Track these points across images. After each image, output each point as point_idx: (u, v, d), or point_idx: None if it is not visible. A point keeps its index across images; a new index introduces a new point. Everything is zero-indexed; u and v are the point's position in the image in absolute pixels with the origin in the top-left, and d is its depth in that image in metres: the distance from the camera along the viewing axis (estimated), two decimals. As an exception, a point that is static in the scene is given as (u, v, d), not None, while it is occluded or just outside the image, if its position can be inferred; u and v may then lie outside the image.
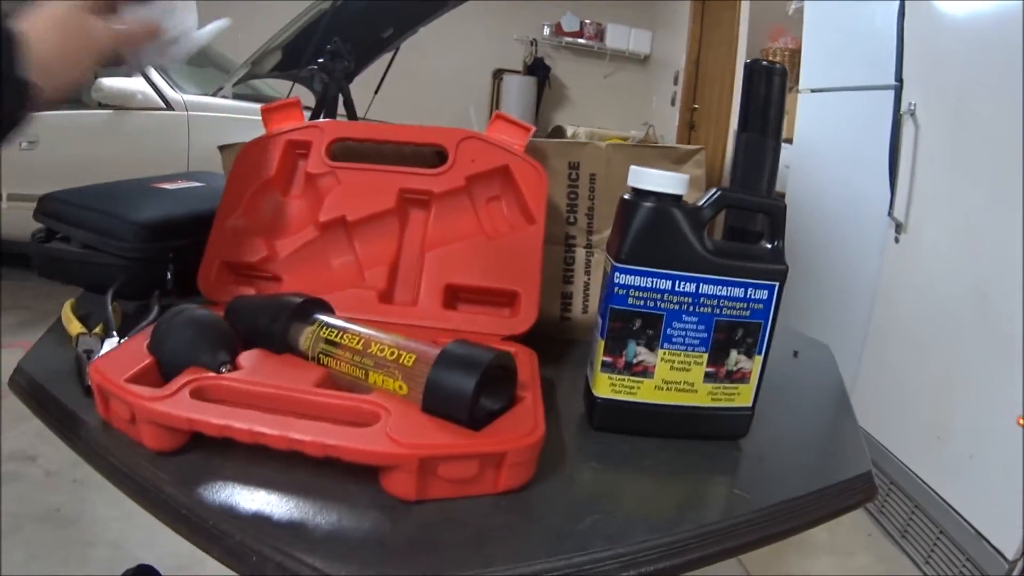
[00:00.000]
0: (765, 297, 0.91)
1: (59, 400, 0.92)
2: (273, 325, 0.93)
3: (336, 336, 0.90)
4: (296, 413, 0.79)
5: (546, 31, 9.07)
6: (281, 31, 4.64)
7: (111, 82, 4.91)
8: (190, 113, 5.01)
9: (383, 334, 0.89)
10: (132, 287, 1.21)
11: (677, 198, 0.90)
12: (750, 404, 0.95)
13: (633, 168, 0.91)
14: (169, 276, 1.24)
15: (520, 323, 1.10)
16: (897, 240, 3.01)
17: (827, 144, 3.78)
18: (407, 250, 1.19)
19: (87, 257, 1.26)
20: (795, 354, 1.35)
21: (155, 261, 1.24)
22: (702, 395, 0.93)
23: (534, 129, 1.22)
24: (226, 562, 0.68)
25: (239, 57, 5.25)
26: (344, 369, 0.88)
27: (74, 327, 1.07)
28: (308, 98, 3.91)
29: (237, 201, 1.21)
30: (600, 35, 9.10)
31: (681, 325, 0.91)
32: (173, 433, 0.79)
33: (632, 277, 0.89)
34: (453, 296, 1.16)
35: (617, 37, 9.07)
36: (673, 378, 0.92)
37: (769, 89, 1.17)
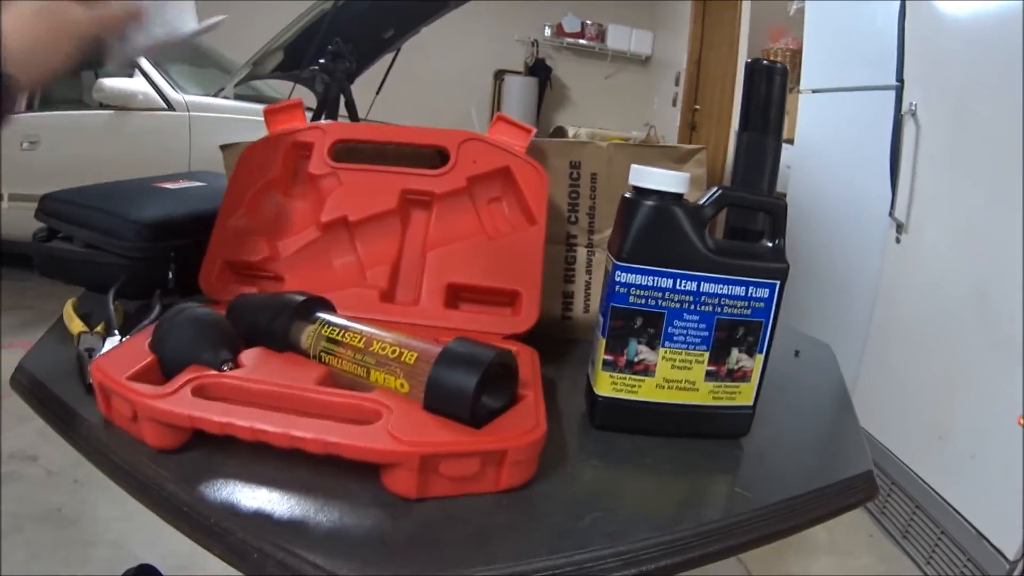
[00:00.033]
0: (766, 296, 0.91)
1: (60, 398, 0.92)
2: (275, 323, 0.93)
3: (338, 334, 0.90)
4: (298, 411, 0.79)
5: (547, 32, 9.06)
6: (282, 31, 4.65)
7: (112, 82, 4.91)
8: (191, 114, 5.01)
9: (385, 332, 0.89)
10: (133, 286, 1.21)
11: (678, 197, 0.90)
12: (751, 403, 0.95)
13: (634, 167, 0.91)
14: (170, 275, 1.25)
15: (521, 322, 1.10)
16: (898, 240, 3.01)
17: (828, 144, 3.78)
18: (409, 250, 1.19)
19: (89, 256, 1.26)
20: (796, 353, 1.35)
21: (156, 260, 1.24)
22: (703, 394, 0.94)
23: (535, 131, 1.22)
24: (227, 560, 0.68)
25: (240, 58, 5.26)
26: (346, 367, 0.88)
27: (75, 326, 1.07)
28: (309, 99, 3.92)
29: (239, 201, 1.21)
30: (601, 36, 9.10)
31: (682, 324, 0.91)
32: (174, 431, 0.79)
33: (633, 276, 0.89)
34: (455, 296, 1.16)
35: (618, 38, 9.07)
36: (674, 377, 0.92)
37: (770, 88, 1.17)
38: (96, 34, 0.95)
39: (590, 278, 1.27)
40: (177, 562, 2.20)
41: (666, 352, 0.91)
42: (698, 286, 0.90)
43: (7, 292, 4.83)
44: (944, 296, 2.73)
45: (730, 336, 0.92)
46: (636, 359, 0.91)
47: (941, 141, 2.82)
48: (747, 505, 0.82)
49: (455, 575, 0.65)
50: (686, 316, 0.90)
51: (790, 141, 4.00)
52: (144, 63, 5.00)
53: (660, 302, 0.90)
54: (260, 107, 1.28)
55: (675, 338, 0.91)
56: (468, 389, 0.77)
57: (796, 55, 4.47)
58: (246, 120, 4.69)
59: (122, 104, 4.98)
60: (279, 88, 5.64)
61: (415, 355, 0.84)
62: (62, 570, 2.42)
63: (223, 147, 1.34)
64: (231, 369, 0.86)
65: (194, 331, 0.89)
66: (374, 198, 1.19)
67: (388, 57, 5.05)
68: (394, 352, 0.85)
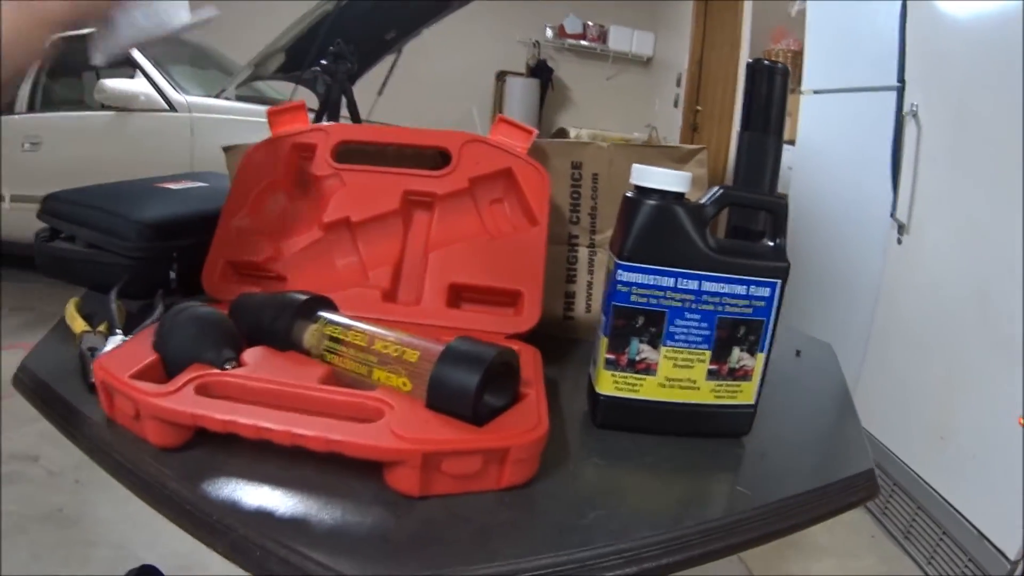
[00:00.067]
0: (767, 294, 0.91)
1: (63, 397, 0.92)
2: (277, 322, 0.93)
3: (340, 333, 0.90)
4: (300, 409, 0.79)
5: (549, 33, 9.06)
6: (284, 33, 4.66)
7: (114, 83, 4.91)
8: (193, 115, 5.01)
9: (387, 331, 0.89)
10: (136, 286, 1.21)
11: (680, 196, 0.91)
12: (753, 401, 0.95)
13: (636, 166, 0.92)
14: (173, 275, 1.25)
15: (523, 322, 1.10)
16: (899, 241, 3.01)
17: (830, 145, 3.78)
18: (411, 250, 1.20)
19: (91, 256, 1.27)
20: (797, 353, 1.35)
21: (159, 260, 1.25)
22: (705, 392, 0.94)
23: (536, 132, 1.22)
24: (230, 557, 0.68)
25: (242, 59, 5.27)
26: (348, 366, 0.88)
27: (78, 325, 1.07)
28: (311, 100, 3.92)
29: (242, 201, 1.21)
30: (603, 37, 9.10)
31: (684, 322, 0.91)
32: (177, 429, 0.79)
33: (635, 274, 0.89)
34: (457, 296, 1.16)
35: (620, 39, 9.07)
36: (676, 375, 0.93)
37: (771, 88, 1.17)
38: (75, 21, 0.93)
39: (592, 278, 1.27)
40: (178, 562, 2.20)
41: (668, 351, 0.92)
42: (699, 285, 0.90)
43: (9, 293, 4.84)
44: (945, 297, 2.73)
45: (731, 335, 0.92)
46: (638, 358, 0.92)
47: (942, 142, 2.82)
48: (748, 503, 0.82)
49: (457, 572, 0.66)
50: (688, 315, 0.91)
51: (791, 142, 4.00)
52: (146, 64, 5.01)
53: (662, 301, 0.90)
54: (262, 108, 1.28)
55: (677, 337, 0.91)
56: (470, 387, 0.77)
57: (797, 56, 4.46)
58: (248, 121, 4.69)
59: (124, 105, 4.98)
60: (281, 89, 5.64)
61: (417, 354, 0.84)
62: (63, 570, 2.42)
63: (226, 148, 1.35)
64: (234, 368, 0.87)
65: (197, 330, 0.89)
66: (376, 199, 1.19)
67: (390, 58, 5.06)
68: (396, 351, 0.85)
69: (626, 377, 0.92)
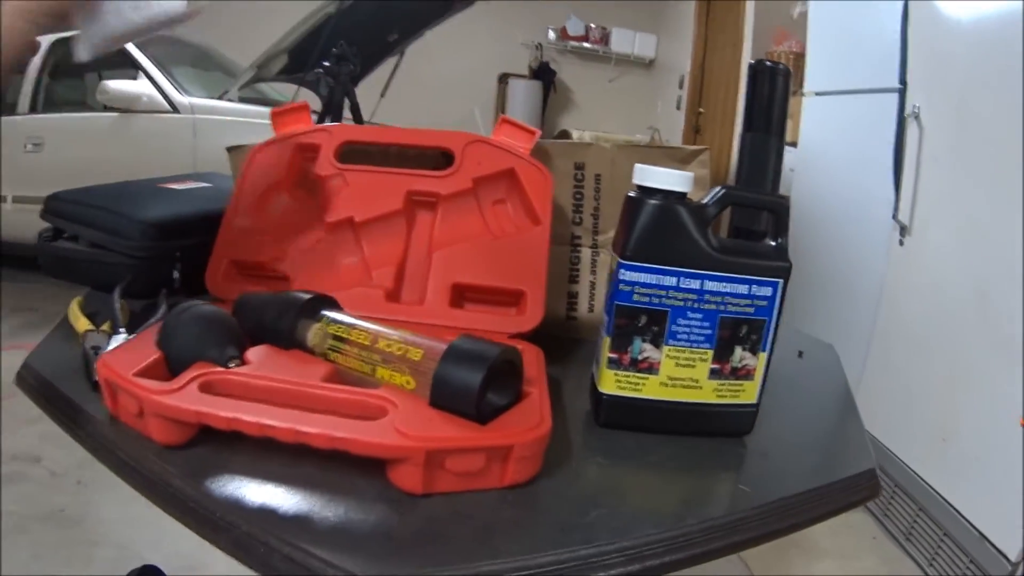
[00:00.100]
0: (769, 294, 0.92)
1: (66, 395, 0.92)
2: (281, 321, 0.93)
3: (344, 332, 0.90)
4: (304, 407, 0.79)
5: (551, 35, 9.07)
6: (287, 35, 4.66)
7: (117, 85, 4.91)
8: (196, 116, 5.01)
9: (391, 330, 0.89)
10: (139, 286, 1.22)
11: (682, 195, 0.91)
12: (755, 401, 0.96)
13: (638, 166, 0.92)
14: (176, 275, 1.25)
15: (526, 321, 1.10)
16: (901, 243, 3.01)
17: (832, 147, 3.78)
18: (414, 250, 1.20)
19: (94, 256, 1.27)
20: (800, 354, 1.35)
21: (162, 260, 1.25)
22: (707, 392, 0.94)
23: (539, 132, 1.23)
24: (233, 554, 0.68)
25: (245, 60, 5.27)
26: (352, 365, 0.88)
27: (81, 324, 1.08)
28: (314, 102, 3.92)
29: (246, 201, 1.22)
30: (605, 39, 9.11)
31: (686, 322, 0.91)
32: (181, 427, 0.79)
33: (637, 274, 0.89)
34: (460, 295, 1.16)
35: (622, 41, 9.07)
36: (678, 375, 0.93)
37: (773, 89, 1.17)
38: (60, 13, 0.90)
39: (594, 278, 1.27)
40: (181, 563, 2.21)
41: (670, 350, 0.92)
42: (702, 284, 0.90)
43: (11, 294, 4.84)
44: (947, 298, 2.73)
45: (734, 334, 0.92)
46: (640, 357, 0.92)
47: (944, 143, 2.82)
48: (750, 502, 0.82)
49: (460, 570, 0.66)
50: (690, 314, 0.91)
51: (793, 144, 4.01)
52: (148, 65, 5.01)
53: (664, 300, 0.90)
54: (265, 110, 1.29)
55: (679, 336, 0.91)
56: (474, 385, 0.77)
57: (800, 58, 4.46)
58: (250, 123, 4.69)
59: (126, 106, 4.98)
60: (284, 91, 5.65)
61: (421, 352, 0.84)
62: (65, 570, 2.42)
63: (229, 148, 1.35)
64: (237, 366, 0.87)
65: (200, 328, 0.89)
66: (380, 199, 1.20)
67: (392, 60, 5.06)
68: (400, 349, 0.86)
69: (629, 376, 0.93)
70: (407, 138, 1.25)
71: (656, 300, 0.90)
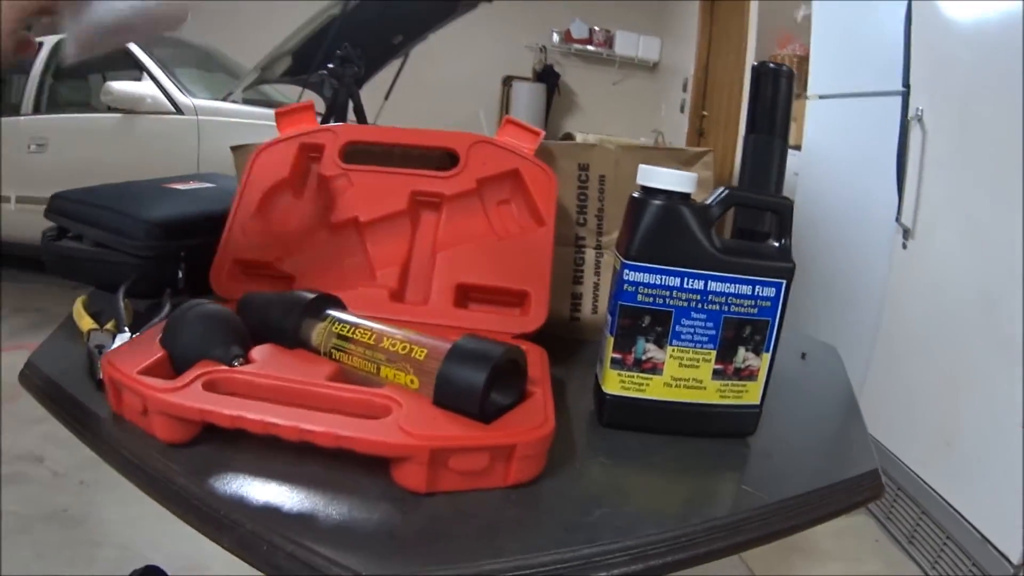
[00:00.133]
0: (773, 295, 0.92)
1: (70, 394, 0.92)
2: (285, 320, 0.94)
3: (348, 331, 0.90)
4: (308, 406, 0.79)
5: (555, 38, 9.09)
6: (291, 36, 4.67)
7: (120, 86, 4.92)
8: (199, 118, 5.01)
9: (395, 329, 0.89)
10: (143, 285, 1.22)
11: (685, 196, 0.91)
12: (758, 401, 0.96)
13: (642, 167, 0.92)
14: (180, 275, 1.25)
15: (530, 322, 1.10)
16: (905, 246, 3.01)
17: (836, 150, 3.79)
18: (418, 251, 1.20)
19: (99, 255, 1.27)
20: (803, 356, 1.35)
21: (167, 259, 1.25)
22: (711, 392, 0.94)
23: (543, 133, 1.23)
24: (237, 553, 0.68)
25: (249, 62, 5.27)
26: (356, 364, 0.89)
27: (85, 323, 1.08)
28: (318, 104, 3.92)
29: (250, 201, 1.22)
30: (609, 42, 9.12)
31: (690, 322, 0.91)
32: (185, 425, 0.79)
33: (641, 274, 0.89)
34: (464, 296, 1.17)
35: (626, 44, 9.09)
36: (682, 375, 0.93)
37: (776, 90, 1.17)
38: (43, 6, 0.87)
39: (598, 279, 1.27)
40: (183, 563, 2.21)
41: (674, 350, 0.92)
42: (705, 285, 0.90)
43: (15, 294, 4.85)
44: (951, 301, 2.73)
45: (737, 335, 0.92)
46: (644, 357, 0.92)
47: (947, 146, 2.82)
48: (754, 502, 0.82)
49: (464, 568, 0.66)
50: (693, 315, 0.91)
51: (797, 147, 4.01)
52: (152, 66, 5.02)
53: (668, 300, 0.90)
54: (268, 112, 1.29)
55: (683, 336, 0.91)
56: (478, 384, 0.77)
57: (803, 61, 4.47)
58: (254, 124, 4.70)
59: (130, 107, 4.99)
60: (287, 93, 5.65)
61: (425, 351, 0.84)
62: (68, 570, 2.43)
63: (234, 148, 1.35)
64: (242, 364, 0.87)
65: (205, 327, 0.89)
66: (384, 199, 1.20)
67: (396, 63, 5.06)
68: (404, 348, 0.86)
69: (632, 376, 0.93)
70: (411, 138, 1.25)
71: (660, 300, 0.90)
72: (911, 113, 2.96)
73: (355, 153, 1.24)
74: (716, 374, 0.93)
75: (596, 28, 9.06)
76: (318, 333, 0.92)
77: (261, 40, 4.97)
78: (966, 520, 2.55)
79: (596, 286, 1.27)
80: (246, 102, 5.23)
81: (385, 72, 5.02)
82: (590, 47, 9.14)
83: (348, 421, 0.76)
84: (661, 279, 0.89)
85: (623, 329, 0.91)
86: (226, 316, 0.92)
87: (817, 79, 3.96)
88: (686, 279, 0.90)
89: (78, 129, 5.16)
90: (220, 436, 0.79)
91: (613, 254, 0.96)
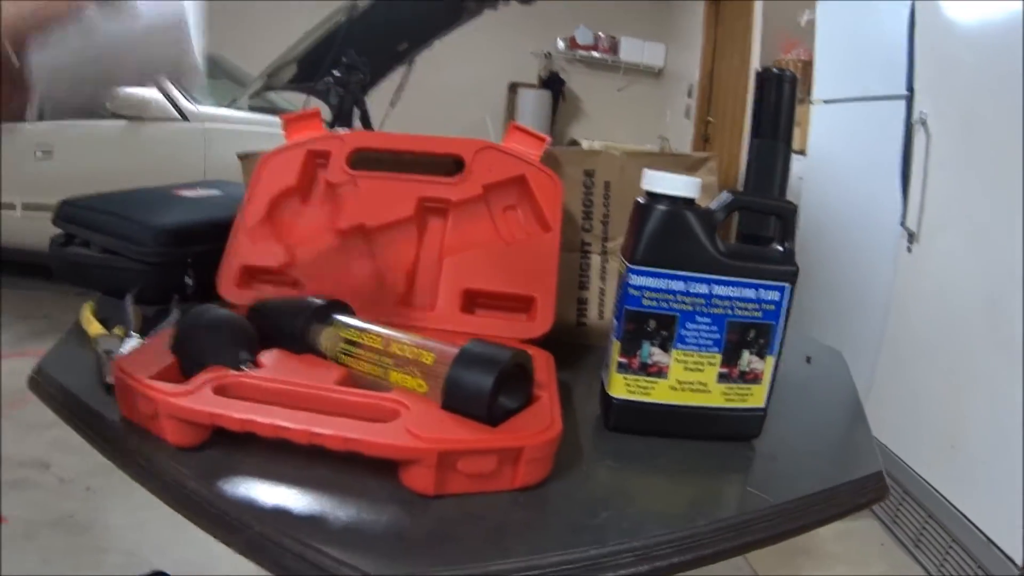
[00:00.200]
0: (776, 298, 0.92)
1: (79, 398, 0.93)
2: (294, 325, 0.94)
3: (356, 336, 0.91)
4: (317, 410, 0.80)
5: (560, 44, 9.08)
6: (296, 44, 4.67)
7: (126, 92, 4.92)
8: (205, 125, 5.02)
9: (403, 334, 0.90)
10: (151, 291, 1.22)
11: (690, 201, 0.91)
12: (763, 404, 0.96)
13: (647, 172, 0.93)
14: (189, 281, 1.26)
15: (537, 327, 1.11)
16: (909, 250, 3.01)
17: (840, 155, 3.79)
18: (425, 256, 1.20)
19: (107, 261, 1.28)
20: (808, 360, 1.36)
21: (174, 266, 1.26)
22: (715, 395, 0.94)
23: (550, 139, 1.23)
24: (247, 554, 0.69)
25: (254, 69, 5.27)
26: (364, 368, 0.89)
27: (94, 328, 1.08)
28: (324, 111, 3.93)
29: (258, 207, 1.22)
30: (614, 48, 9.11)
31: (694, 326, 0.92)
32: (194, 429, 0.80)
33: (646, 279, 0.90)
34: (471, 301, 1.17)
35: (631, 50, 9.08)
36: (687, 378, 0.93)
37: (780, 95, 1.18)
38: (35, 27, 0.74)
39: (604, 285, 1.28)
40: (189, 569, 2.21)
41: (679, 354, 0.92)
42: (710, 289, 0.91)
43: (21, 301, 4.85)
44: (956, 304, 2.73)
45: (741, 338, 0.93)
46: (649, 361, 0.92)
47: (951, 150, 2.83)
48: (759, 504, 0.82)
49: (471, 569, 0.66)
50: (698, 318, 0.91)
51: (802, 152, 4.01)
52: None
53: (672, 305, 0.91)
54: (274, 119, 1.29)
55: (687, 340, 0.92)
56: (485, 388, 0.78)
57: (808, 66, 4.47)
58: (260, 132, 4.70)
59: (136, 114, 4.99)
60: (293, 100, 5.65)
61: (433, 356, 0.85)
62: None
63: (241, 155, 1.36)
64: (251, 369, 0.88)
65: (215, 332, 0.90)
66: (391, 205, 1.20)
67: (402, 70, 5.06)
68: (412, 353, 0.86)
69: (638, 380, 0.93)
70: (418, 145, 1.25)
71: (665, 304, 0.91)
72: (915, 117, 2.97)
73: (362, 160, 1.25)
74: (721, 377, 0.94)
75: (601, 34, 9.05)
76: (326, 338, 0.93)
77: (266, 47, 4.97)
78: (971, 523, 2.54)
79: (602, 292, 1.28)
80: (252, 109, 5.24)
81: (390, 79, 5.03)
82: (595, 53, 9.14)
83: (357, 424, 0.77)
84: (666, 283, 0.90)
85: (629, 333, 0.92)
86: (235, 321, 0.92)
87: (821, 84, 3.97)
88: (690, 283, 0.90)
89: (84, 136, 5.15)
90: (229, 440, 0.79)
91: (618, 259, 0.96)
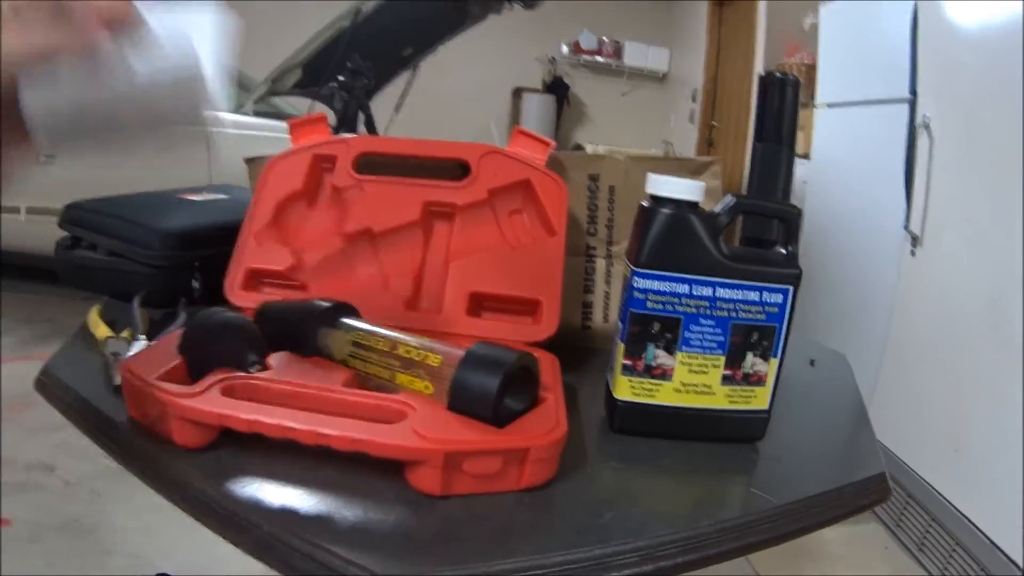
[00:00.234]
0: (780, 301, 0.93)
1: (88, 400, 0.93)
2: (301, 328, 0.95)
3: (363, 338, 0.92)
4: (324, 411, 0.81)
5: (564, 49, 9.09)
6: (301, 49, 4.67)
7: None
8: (211, 129, 5.02)
9: (409, 336, 0.91)
10: (158, 294, 1.23)
11: (694, 204, 0.92)
12: (766, 406, 0.97)
13: (651, 175, 0.93)
14: (195, 284, 1.26)
15: (542, 330, 1.11)
16: (913, 253, 3.01)
17: (844, 159, 3.79)
18: (432, 260, 1.21)
19: (113, 264, 1.28)
20: (812, 363, 1.36)
21: (181, 269, 1.26)
22: (719, 397, 0.95)
23: (554, 144, 1.24)
24: (255, 555, 0.69)
25: (259, 74, 5.27)
26: (371, 370, 0.90)
27: (101, 331, 1.09)
28: (328, 116, 3.93)
29: (265, 211, 1.23)
30: (618, 53, 9.12)
31: (698, 328, 0.92)
32: (202, 430, 0.80)
33: (651, 281, 0.91)
34: (477, 304, 1.18)
35: (635, 55, 9.09)
36: (691, 380, 0.94)
37: (783, 100, 1.19)
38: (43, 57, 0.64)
39: (609, 288, 1.28)
40: (193, 572, 2.22)
41: (683, 356, 0.93)
42: (714, 291, 0.91)
43: (25, 305, 4.85)
44: (959, 308, 2.74)
45: (745, 340, 0.93)
46: (654, 363, 0.93)
47: (954, 153, 2.83)
48: (763, 505, 0.83)
49: (477, 569, 0.67)
50: (702, 321, 0.92)
51: (806, 156, 4.01)
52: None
53: (677, 307, 0.91)
54: (279, 124, 1.30)
55: (692, 343, 0.93)
56: (492, 389, 0.79)
57: (811, 70, 4.47)
58: (265, 137, 4.70)
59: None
60: (298, 105, 5.66)
61: (439, 358, 0.85)
62: (80, 578, 2.44)
63: (248, 160, 1.36)
64: (258, 371, 0.88)
65: (223, 334, 0.90)
66: (397, 209, 1.21)
67: (406, 75, 5.06)
68: (419, 355, 0.87)
69: (643, 382, 0.94)
70: (423, 149, 1.26)
71: (669, 307, 0.91)
72: (918, 120, 2.97)
73: (368, 164, 1.25)
74: (725, 379, 0.94)
75: (605, 39, 9.07)
76: (333, 340, 0.94)
77: (271, 52, 4.97)
78: (975, 526, 2.55)
79: (607, 295, 1.28)
80: (256, 114, 5.24)
81: (395, 84, 5.03)
82: (599, 58, 9.15)
83: (364, 425, 0.78)
84: (670, 286, 0.91)
85: (633, 336, 0.92)
86: (243, 324, 0.93)
87: (825, 87, 3.97)
88: (695, 286, 0.91)
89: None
90: (237, 441, 0.80)
91: (623, 263, 0.97)
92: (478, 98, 8.62)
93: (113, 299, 1.26)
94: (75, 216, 1.35)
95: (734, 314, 0.92)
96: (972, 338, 2.65)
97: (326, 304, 0.97)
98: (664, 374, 0.93)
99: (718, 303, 0.92)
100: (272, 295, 1.18)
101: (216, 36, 0.74)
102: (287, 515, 0.71)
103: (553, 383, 0.92)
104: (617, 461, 0.90)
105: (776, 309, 0.93)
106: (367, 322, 0.97)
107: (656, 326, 0.92)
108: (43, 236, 1.55)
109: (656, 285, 0.91)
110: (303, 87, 4.84)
